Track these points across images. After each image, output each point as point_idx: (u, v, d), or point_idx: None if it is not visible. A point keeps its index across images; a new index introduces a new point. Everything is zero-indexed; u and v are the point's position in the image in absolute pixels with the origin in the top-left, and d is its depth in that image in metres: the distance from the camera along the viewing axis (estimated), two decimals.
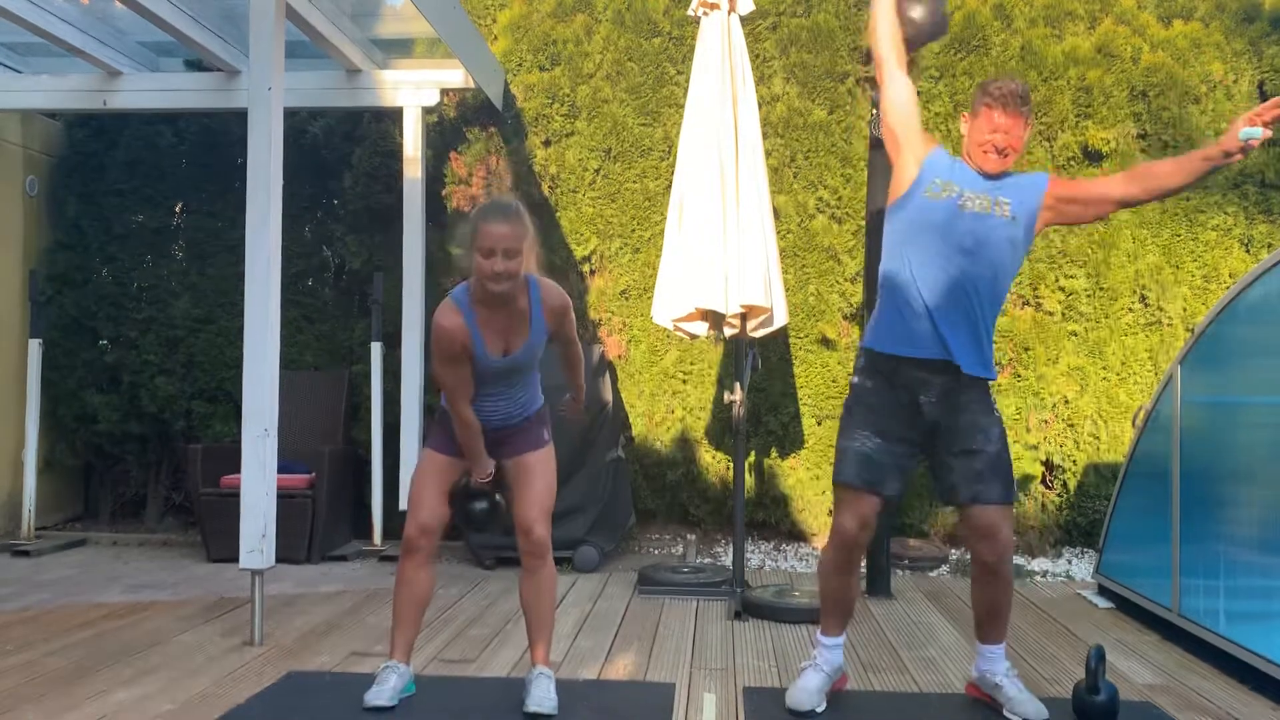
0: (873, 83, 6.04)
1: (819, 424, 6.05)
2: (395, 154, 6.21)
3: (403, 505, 5.12)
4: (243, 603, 4.49)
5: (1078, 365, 5.98)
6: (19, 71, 6.31)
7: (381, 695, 3.10)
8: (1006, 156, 3.12)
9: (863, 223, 5.59)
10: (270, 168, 4.01)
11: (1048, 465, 6.07)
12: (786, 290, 5.22)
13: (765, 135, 5.50)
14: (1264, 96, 5.88)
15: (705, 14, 4.86)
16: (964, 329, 3.10)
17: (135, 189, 6.68)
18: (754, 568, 5.66)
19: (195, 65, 6.39)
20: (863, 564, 3.87)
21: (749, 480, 6.02)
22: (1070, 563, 5.76)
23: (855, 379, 3.28)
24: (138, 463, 6.74)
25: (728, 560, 5.53)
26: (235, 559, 4.01)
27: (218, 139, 6.64)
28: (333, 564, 5.70)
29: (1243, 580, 3.89)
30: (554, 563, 3.21)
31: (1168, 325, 5.98)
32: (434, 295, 5.90)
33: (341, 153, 6.52)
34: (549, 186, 6.26)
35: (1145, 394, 5.84)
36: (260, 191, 4.01)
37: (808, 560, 5.80)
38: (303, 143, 6.47)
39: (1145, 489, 4.67)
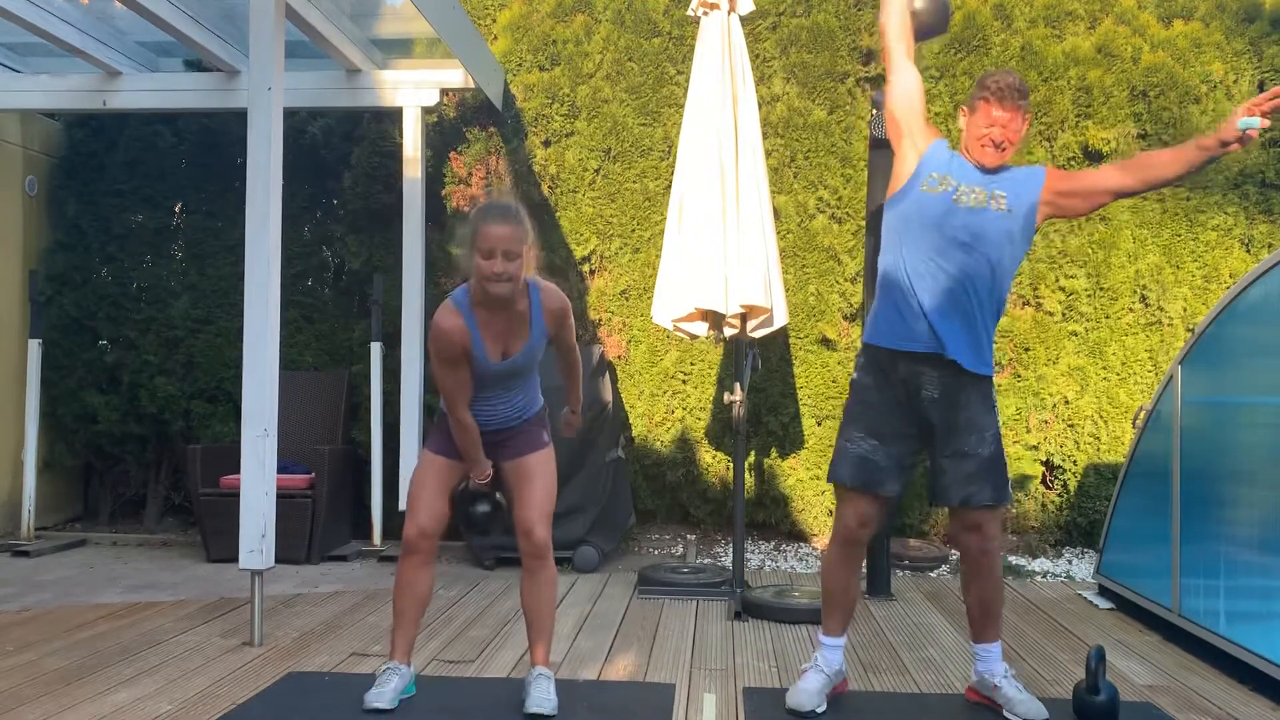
0: (872, 83, 6.05)
1: (819, 424, 6.05)
2: (395, 154, 6.21)
3: (402, 505, 5.11)
4: (242, 603, 4.48)
5: (1078, 365, 5.98)
6: (19, 71, 6.31)
7: (382, 697, 3.10)
8: (1004, 150, 3.12)
9: (863, 223, 5.59)
10: (270, 168, 4.01)
11: (1048, 465, 6.07)
12: (786, 290, 5.22)
13: (765, 135, 5.50)
14: None
15: (705, 14, 4.85)
16: (959, 323, 3.10)
17: (135, 189, 6.68)
18: (754, 568, 5.66)
19: (195, 65, 6.39)
20: (863, 564, 3.86)
21: (749, 480, 6.02)
22: (1070, 563, 5.76)
23: (855, 376, 3.30)
24: (137, 463, 6.74)
25: (728, 560, 5.53)
26: (235, 559, 4.01)
27: (217, 139, 6.64)
28: (332, 564, 5.70)
29: (1243, 580, 3.89)
30: (554, 563, 3.20)
31: (1168, 325, 5.98)
32: (434, 295, 5.91)
33: (341, 153, 6.52)
34: (549, 187, 6.25)
35: (1145, 394, 5.84)
36: (260, 191, 4.01)
37: (807, 560, 5.80)
38: (302, 143, 6.47)
39: (1145, 489, 4.67)
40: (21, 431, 6.26)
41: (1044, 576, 5.55)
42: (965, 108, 3.20)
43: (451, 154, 6.28)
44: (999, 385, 5.80)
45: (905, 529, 5.98)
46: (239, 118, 5.09)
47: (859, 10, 6.17)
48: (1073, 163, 6.00)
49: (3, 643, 3.98)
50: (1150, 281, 5.98)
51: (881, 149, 4.40)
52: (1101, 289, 5.99)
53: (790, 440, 6.08)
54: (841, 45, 6.15)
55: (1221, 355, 4.12)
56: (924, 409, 3.15)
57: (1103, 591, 4.97)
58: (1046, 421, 6.01)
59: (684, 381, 6.16)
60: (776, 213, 5.64)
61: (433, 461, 3.19)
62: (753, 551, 5.93)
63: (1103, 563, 5.01)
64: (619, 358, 6.22)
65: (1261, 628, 3.67)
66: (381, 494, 5.98)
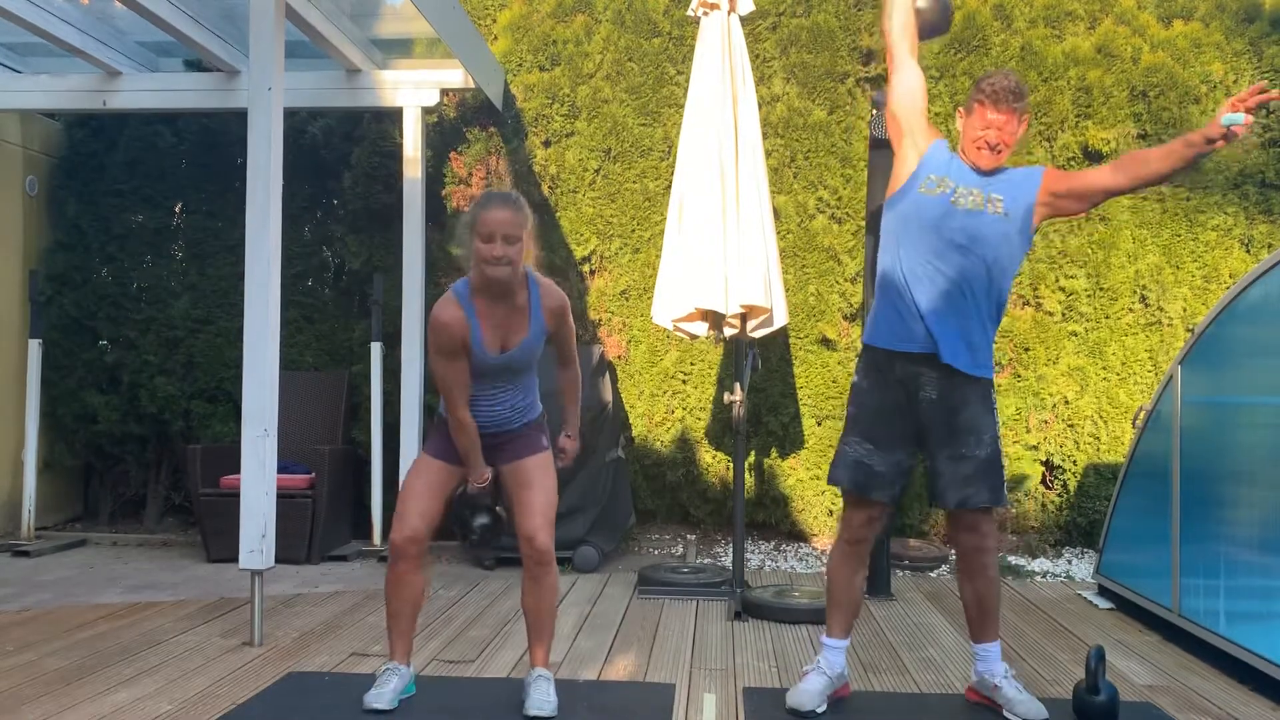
0: (872, 83, 6.05)
1: (819, 424, 6.05)
2: (395, 154, 6.21)
3: None
4: (242, 603, 4.48)
5: (1078, 365, 5.98)
6: (19, 71, 6.31)
7: (382, 699, 3.10)
8: (1000, 152, 3.12)
9: (863, 223, 5.59)
10: (270, 168, 4.01)
11: (1048, 465, 6.07)
12: (786, 290, 5.22)
13: (765, 135, 5.50)
14: None
15: (705, 14, 4.85)
16: (954, 326, 3.10)
17: (135, 189, 6.68)
18: (754, 568, 5.66)
19: (195, 65, 6.38)
20: (866, 564, 3.85)
21: (749, 480, 6.02)
22: (1070, 563, 5.76)
23: (854, 379, 3.31)
24: (137, 463, 6.74)
25: (728, 560, 5.53)
26: (235, 559, 4.01)
27: (217, 139, 6.64)
28: (332, 564, 5.70)
29: (1243, 580, 3.89)
30: (557, 568, 3.18)
31: (1168, 325, 5.98)
32: (433, 296, 5.89)
33: (341, 153, 6.52)
34: (549, 187, 6.25)
35: (1145, 394, 5.84)
36: (260, 192, 4.01)
37: (808, 560, 5.80)
38: (302, 143, 6.47)
39: (1145, 489, 4.67)
40: (21, 431, 6.26)
41: (1044, 576, 5.55)
42: (962, 109, 3.21)
43: (452, 154, 6.28)
44: (999, 385, 5.79)
45: (905, 529, 5.98)
46: (239, 118, 5.09)
47: (859, 10, 6.17)
48: (1072, 163, 6.00)
49: (3, 643, 3.98)
50: (1150, 281, 5.99)
51: (881, 149, 4.40)
52: (1101, 289, 5.99)
53: (790, 440, 6.08)
54: (841, 45, 6.15)
55: (1221, 355, 4.12)
56: (923, 410, 3.16)
57: (1102, 591, 4.97)
58: (1046, 421, 6.01)
59: (684, 381, 6.16)
60: (776, 213, 5.64)
61: (428, 465, 3.16)
62: (753, 551, 5.93)
63: (1102, 563, 5.01)
64: (619, 358, 6.22)
65: (1261, 628, 3.67)
66: (382, 494, 5.98)
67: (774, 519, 6.11)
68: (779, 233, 5.45)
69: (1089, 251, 5.99)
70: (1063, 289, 6.01)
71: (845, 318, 6.06)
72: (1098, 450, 5.96)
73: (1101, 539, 5.06)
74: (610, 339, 6.21)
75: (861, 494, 3.21)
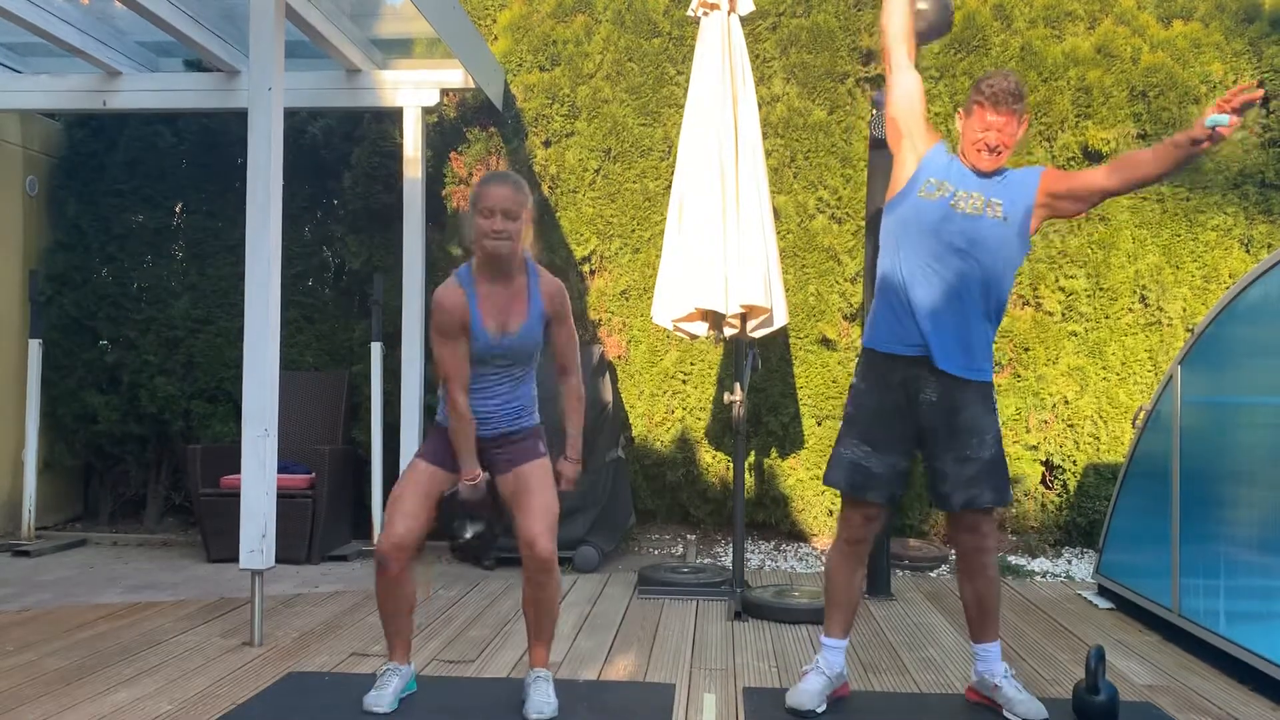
0: (872, 83, 6.06)
1: (819, 424, 6.05)
2: (395, 154, 6.21)
3: None
4: (242, 603, 4.49)
5: (1078, 365, 5.98)
6: (19, 71, 6.31)
7: (382, 700, 3.10)
8: (999, 154, 3.12)
9: (863, 223, 5.59)
10: (270, 168, 4.01)
11: (1048, 465, 6.07)
12: (786, 290, 5.22)
13: (765, 135, 5.51)
14: (1265, 97, 5.87)
15: (705, 14, 4.85)
16: (951, 329, 3.11)
17: (135, 189, 6.68)
18: (754, 568, 5.66)
19: (195, 65, 6.39)
20: (865, 564, 3.85)
21: (749, 480, 6.02)
22: (1070, 563, 5.76)
23: (853, 380, 3.31)
24: (137, 463, 6.74)
25: (728, 560, 5.53)
26: (235, 559, 4.02)
27: (217, 139, 6.64)
28: (333, 564, 5.70)
29: (1243, 580, 3.89)
30: (560, 573, 3.17)
31: (1168, 325, 5.98)
32: (433, 295, 5.90)
33: (341, 153, 6.52)
34: (549, 187, 6.26)
35: (1145, 394, 5.84)
36: (260, 192, 4.01)
37: (807, 560, 5.80)
38: (302, 143, 6.47)
39: (1145, 489, 4.67)
40: (22, 431, 6.26)
41: (1044, 576, 5.55)
42: (961, 111, 3.21)
43: (452, 154, 6.28)
44: (999, 385, 5.81)
45: (905, 529, 5.98)
46: (239, 118, 5.09)
47: (859, 10, 6.17)
48: (1072, 163, 6.00)
49: (3, 643, 3.98)
50: (1150, 282, 5.99)
51: (881, 149, 4.40)
52: (1101, 289, 5.99)
53: (790, 440, 6.08)
54: (841, 45, 6.16)
55: (1221, 355, 4.12)
56: (923, 412, 3.16)
57: (1102, 591, 4.97)
58: (1046, 421, 6.01)
59: (684, 381, 6.17)
60: (776, 213, 5.64)
61: (420, 469, 3.14)
62: (753, 551, 5.93)
63: (1102, 562, 5.01)
64: (619, 358, 6.22)
65: (1261, 628, 3.67)
66: (382, 494, 5.97)
67: (774, 519, 6.11)
68: (779, 233, 5.45)
69: (1089, 251, 5.99)
70: (1062, 289, 6.01)
71: (845, 318, 6.06)
72: (1098, 450, 5.96)
73: (1101, 539, 5.06)
74: (610, 339, 6.21)
75: (858, 496, 3.21)
